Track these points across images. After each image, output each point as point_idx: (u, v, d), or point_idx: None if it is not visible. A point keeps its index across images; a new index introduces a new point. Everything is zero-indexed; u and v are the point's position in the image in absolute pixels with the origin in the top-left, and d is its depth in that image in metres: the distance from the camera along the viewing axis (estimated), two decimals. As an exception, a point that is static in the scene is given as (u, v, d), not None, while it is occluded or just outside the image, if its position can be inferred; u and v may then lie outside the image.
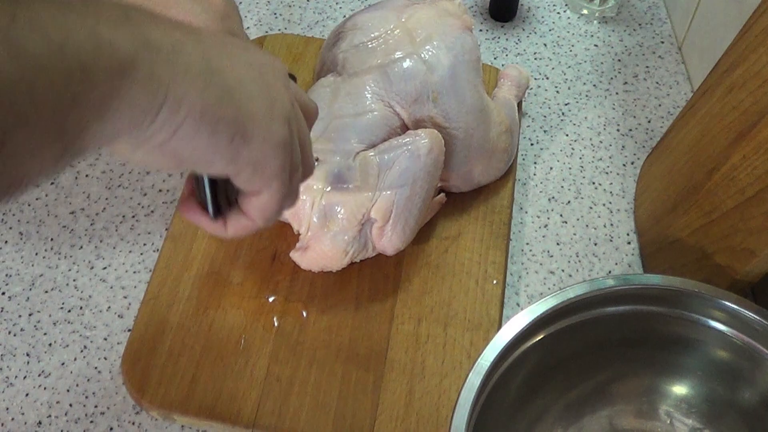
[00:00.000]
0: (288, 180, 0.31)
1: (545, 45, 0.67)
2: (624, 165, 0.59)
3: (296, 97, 0.33)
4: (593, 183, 0.58)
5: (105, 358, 0.49)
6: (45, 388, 0.47)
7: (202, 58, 0.26)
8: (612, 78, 0.64)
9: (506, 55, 0.66)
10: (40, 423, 0.46)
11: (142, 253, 0.53)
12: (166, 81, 0.24)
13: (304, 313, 0.48)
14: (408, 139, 0.46)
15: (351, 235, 0.46)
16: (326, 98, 0.49)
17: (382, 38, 0.49)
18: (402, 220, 0.47)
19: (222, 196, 0.32)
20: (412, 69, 0.48)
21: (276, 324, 0.48)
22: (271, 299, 0.49)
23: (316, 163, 0.46)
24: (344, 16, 0.64)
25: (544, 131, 0.61)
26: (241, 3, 0.69)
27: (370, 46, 0.49)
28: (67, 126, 0.22)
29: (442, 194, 0.52)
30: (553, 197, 0.57)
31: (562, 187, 0.58)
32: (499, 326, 0.48)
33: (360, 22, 0.50)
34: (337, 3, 0.69)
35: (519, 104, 0.58)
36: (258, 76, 0.29)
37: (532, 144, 0.60)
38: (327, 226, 0.46)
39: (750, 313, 0.40)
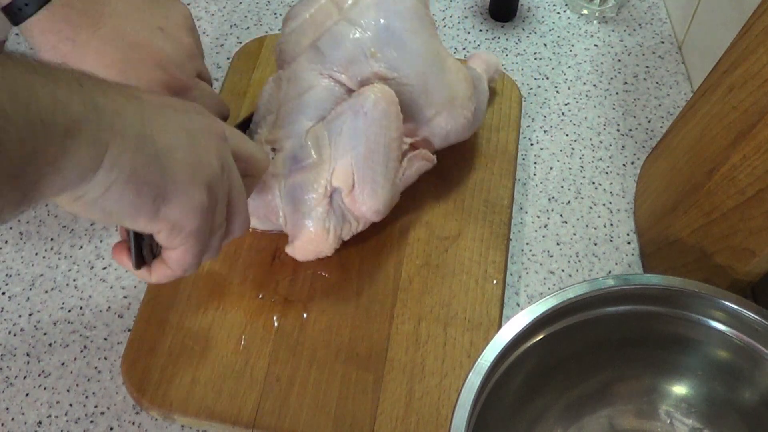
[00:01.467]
0: (205, 239, 0.34)
1: (545, 45, 0.67)
2: (624, 165, 0.59)
3: (240, 151, 0.36)
4: (593, 183, 0.58)
5: (105, 358, 0.49)
6: (45, 388, 0.47)
7: (139, 123, 0.29)
8: (612, 78, 0.64)
9: (506, 55, 0.66)
10: (40, 423, 0.46)
11: (142, 253, 0.53)
12: (105, 143, 0.27)
13: (304, 314, 0.48)
14: (351, 101, 0.46)
15: (322, 211, 0.46)
16: (271, 92, 0.49)
17: (310, 18, 0.48)
18: (369, 180, 0.46)
19: (147, 247, 0.35)
20: (340, 34, 0.47)
21: (276, 324, 0.48)
22: (271, 299, 0.49)
23: (272, 154, 0.46)
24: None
25: (544, 131, 0.61)
26: (241, 3, 0.69)
27: (301, 28, 0.48)
28: (26, 176, 0.25)
29: (425, 151, 0.51)
30: (553, 197, 0.57)
31: (562, 187, 0.58)
32: (499, 326, 0.48)
33: (292, 13, 0.50)
34: (337, 3, 0.69)
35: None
36: (188, 142, 0.32)
37: (532, 144, 0.60)
38: (298, 209, 0.46)
39: (750, 313, 0.40)
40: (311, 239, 0.47)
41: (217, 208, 0.34)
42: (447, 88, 0.49)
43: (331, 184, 0.46)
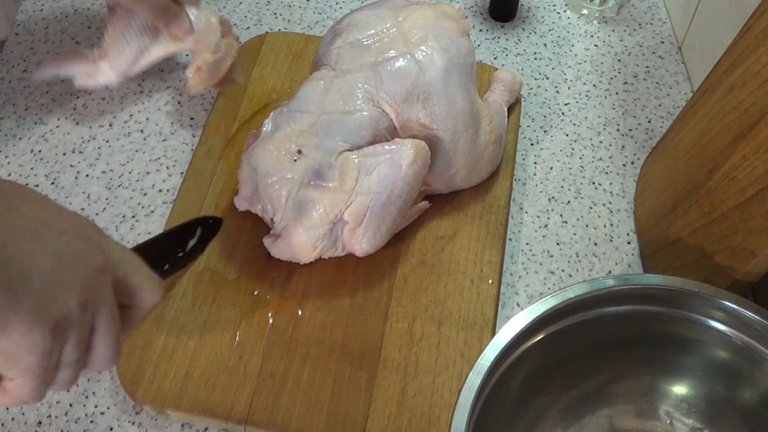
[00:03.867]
0: (46, 375, 0.31)
1: (545, 45, 0.66)
2: (624, 165, 0.59)
3: (128, 282, 0.33)
4: (593, 183, 0.58)
5: (102, 356, 0.48)
6: (43, 387, 0.47)
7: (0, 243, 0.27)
8: (612, 78, 0.64)
9: (506, 55, 0.66)
10: (40, 423, 0.46)
11: (139, 251, 0.53)
12: None
13: (299, 311, 0.48)
14: (393, 147, 0.46)
15: (321, 233, 0.47)
16: (319, 91, 0.49)
17: (377, 36, 0.49)
18: (374, 225, 0.47)
19: None
20: (404, 68, 0.47)
21: (270, 321, 0.48)
22: (266, 296, 0.49)
23: (297, 156, 0.46)
24: (344, 16, 0.64)
25: (544, 131, 0.61)
26: (241, 3, 0.69)
27: (364, 43, 0.49)
28: None
29: (425, 202, 0.52)
30: (553, 197, 0.57)
31: (562, 187, 0.57)
32: (494, 326, 0.48)
33: (356, 20, 0.50)
34: (336, 3, 0.70)
35: (509, 107, 0.57)
36: (51, 272, 0.29)
37: (532, 144, 0.60)
38: (300, 219, 0.46)
39: (750, 313, 0.40)
40: (295, 248, 0.47)
41: (65, 348, 0.31)
42: (474, 152, 0.51)
43: (343, 215, 0.46)
